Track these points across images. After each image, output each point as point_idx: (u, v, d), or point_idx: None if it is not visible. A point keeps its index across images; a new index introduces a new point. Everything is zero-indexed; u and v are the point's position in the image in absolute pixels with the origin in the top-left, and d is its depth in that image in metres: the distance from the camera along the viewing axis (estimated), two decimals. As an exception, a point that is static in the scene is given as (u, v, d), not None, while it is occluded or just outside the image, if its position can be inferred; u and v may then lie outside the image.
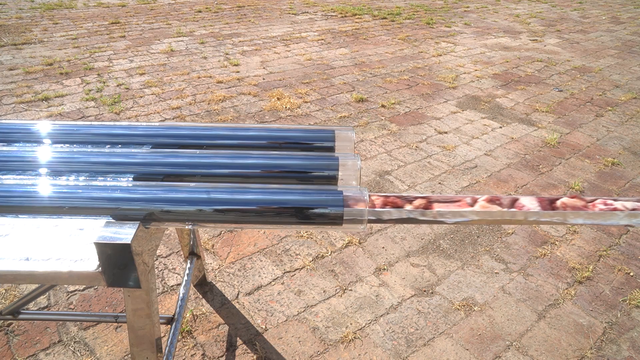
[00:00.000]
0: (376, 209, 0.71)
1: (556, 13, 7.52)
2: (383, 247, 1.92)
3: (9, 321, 1.47)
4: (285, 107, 3.29)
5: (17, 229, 0.74)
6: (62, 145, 0.86)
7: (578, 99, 3.75)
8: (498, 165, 2.64)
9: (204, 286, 1.67)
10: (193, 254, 1.52)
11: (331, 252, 1.88)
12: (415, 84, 3.92)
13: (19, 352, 1.39)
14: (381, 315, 1.59)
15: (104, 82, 3.65)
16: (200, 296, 1.63)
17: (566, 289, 1.75)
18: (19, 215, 0.74)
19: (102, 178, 0.77)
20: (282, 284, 1.71)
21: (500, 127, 3.16)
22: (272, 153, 0.81)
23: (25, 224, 0.75)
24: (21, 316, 1.30)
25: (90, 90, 3.47)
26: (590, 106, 3.62)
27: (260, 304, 1.61)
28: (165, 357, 1.12)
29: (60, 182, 0.72)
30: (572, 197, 0.73)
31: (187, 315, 1.55)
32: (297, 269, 1.78)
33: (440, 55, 4.79)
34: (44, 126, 0.88)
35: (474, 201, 0.73)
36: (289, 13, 6.61)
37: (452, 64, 4.51)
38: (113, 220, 0.69)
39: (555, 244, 1.99)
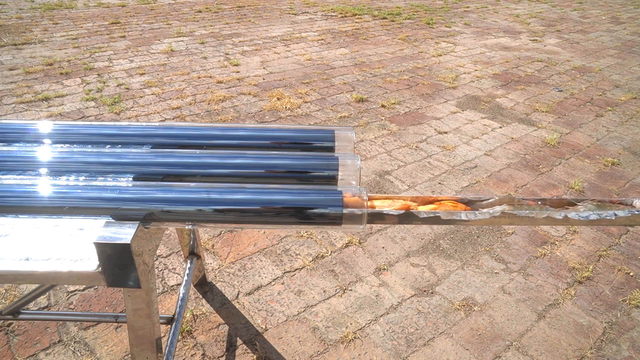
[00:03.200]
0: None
1: (556, 13, 7.52)
2: (383, 247, 1.92)
3: (9, 321, 1.47)
4: (285, 107, 3.29)
5: (17, 229, 0.74)
6: (62, 145, 0.86)
7: (578, 99, 3.75)
8: (498, 165, 2.64)
9: (204, 286, 1.67)
10: (193, 254, 1.52)
11: (331, 252, 1.88)
12: (415, 84, 3.92)
13: (19, 352, 1.39)
14: (381, 315, 1.59)
15: (104, 82, 3.65)
16: (200, 296, 1.63)
17: (566, 289, 1.75)
18: (19, 215, 0.74)
19: (102, 178, 0.77)
20: (282, 284, 1.71)
21: (500, 127, 3.16)
22: (272, 153, 0.81)
23: (25, 224, 0.75)
24: (21, 316, 1.30)
25: (90, 90, 3.48)
26: (590, 106, 3.62)
27: (260, 304, 1.61)
28: (165, 357, 1.12)
29: (60, 182, 0.72)
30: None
31: (187, 315, 1.55)
32: (297, 269, 1.78)
33: (440, 55, 4.79)
34: (44, 126, 0.88)
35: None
36: (289, 13, 6.61)
37: (452, 64, 4.51)
38: (113, 220, 0.69)
39: (555, 244, 1.99)
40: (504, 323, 1.58)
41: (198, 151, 0.81)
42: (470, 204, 0.74)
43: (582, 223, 0.70)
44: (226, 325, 1.52)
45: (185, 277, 1.43)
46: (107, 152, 0.80)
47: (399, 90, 3.76)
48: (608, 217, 0.70)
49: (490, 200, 0.73)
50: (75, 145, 0.86)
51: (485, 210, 0.71)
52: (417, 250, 1.91)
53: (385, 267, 1.81)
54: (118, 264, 0.67)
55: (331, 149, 0.88)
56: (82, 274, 0.68)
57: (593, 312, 1.64)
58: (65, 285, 1.64)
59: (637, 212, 0.70)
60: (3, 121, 0.89)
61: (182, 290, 1.38)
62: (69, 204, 0.69)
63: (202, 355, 1.41)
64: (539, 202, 0.73)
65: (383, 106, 3.40)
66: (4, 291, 1.61)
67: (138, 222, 0.69)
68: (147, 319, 0.81)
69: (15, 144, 0.87)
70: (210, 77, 3.87)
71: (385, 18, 6.52)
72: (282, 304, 1.61)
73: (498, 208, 0.71)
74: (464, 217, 0.70)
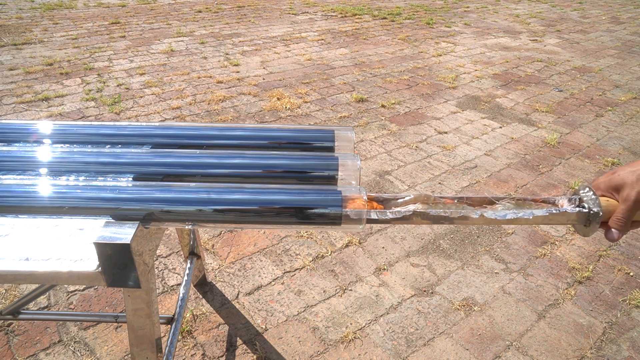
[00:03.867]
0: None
1: (556, 13, 7.52)
2: (383, 247, 1.92)
3: (9, 321, 1.47)
4: (285, 107, 3.29)
5: (17, 229, 0.74)
6: (62, 145, 0.86)
7: (578, 99, 3.75)
8: (498, 165, 2.64)
9: (204, 286, 1.67)
10: (193, 254, 1.52)
11: (331, 252, 1.88)
12: (415, 84, 3.92)
13: (19, 352, 1.39)
14: (381, 315, 1.59)
15: (104, 82, 3.65)
16: (200, 296, 1.63)
17: (566, 289, 1.75)
18: (19, 215, 0.74)
19: (102, 178, 0.77)
20: (282, 284, 1.71)
21: (500, 127, 3.16)
22: (271, 153, 0.81)
23: (25, 224, 0.75)
24: (21, 316, 1.30)
25: (90, 90, 3.48)
26: (590, 106, 3.62)
27: (260, 304, 1.61)
28: (165, 357, 1.12)
29: (60, 182, 0.72)
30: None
31: (187, 315, 1.55)
32: (297, 269, 1.78)
33: (440, 55, 4.79)
34: (44, 126, 0.88)
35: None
36: (289, 13, 6.61)
37: (452, 64, 4.51)
38: (113, 220, 0.69)
39: (555, 244, 1.99)
40: (504, 323, 1.58)
41: (198, 151, 0.81)
42: (385, 202, 0.73)
43: (498, 222, 0.68)
44: (226, 325, 1.52)
45: (185, 277, 1.43)
46: (106, 152, 0.80)
47: (399, 90, 3.76)
48: (525, 217, 0.68)
49: (405, 199, 0.72)
50: (75, 146, 0.86)
51: (397, 209, 0.70)
52: (417, 250, 1.91)
53: (385, 267, 1.81)
54: (118, 264, 0.67)
55: (331, 149, 0.88)
56: (82, 274, 0.68)
57: (593, 312, 1.64)
58: (65, 285, 1.64)
59: (555, 212, 0.68)
60: (3, 121, 0.89)
61: (182, 290, 1.38)
62: (68, 204, 0.69)
63: (202, 355, 1.41)
64: (456, 201, 0.71)
65: (383, 106, 3.40)
66: (4, 291, 1.61)
67: (138, 222, 0.68)
68: (147, 319, 0.81)
69: (15, 144, 0.87)
70: (210, 77, 3.87)
71: (385, 18, 6.52)
72: (282, 304, 1.61)
73: (411, 207, 0.70)
74: (374, 216, 0.69)
